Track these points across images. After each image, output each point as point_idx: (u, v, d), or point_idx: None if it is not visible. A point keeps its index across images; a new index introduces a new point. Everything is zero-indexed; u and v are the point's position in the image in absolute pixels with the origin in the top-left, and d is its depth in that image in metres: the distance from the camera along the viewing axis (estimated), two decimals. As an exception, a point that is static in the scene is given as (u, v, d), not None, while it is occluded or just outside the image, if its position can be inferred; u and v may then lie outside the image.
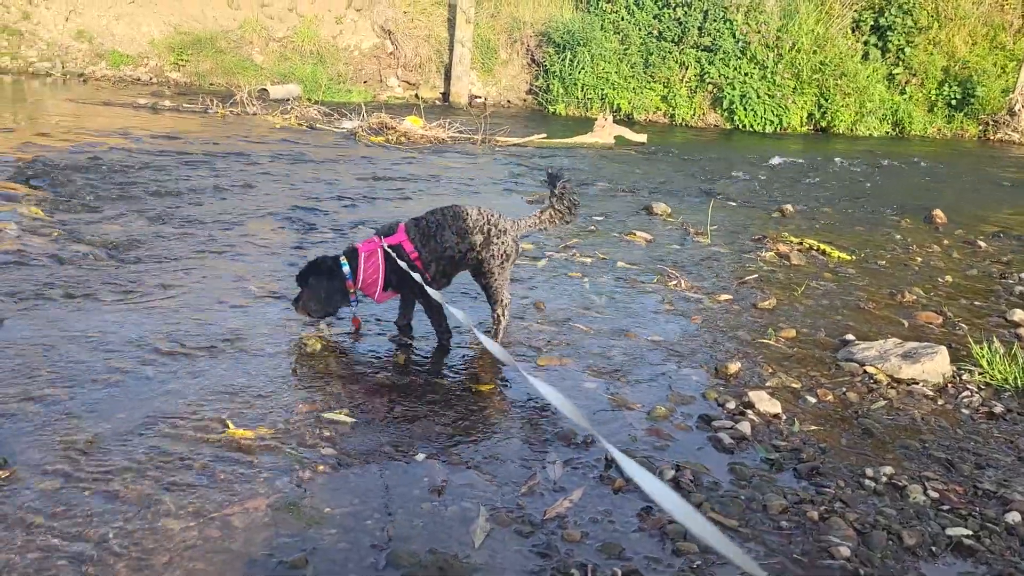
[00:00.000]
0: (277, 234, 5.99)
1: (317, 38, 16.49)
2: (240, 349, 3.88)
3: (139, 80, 15.04)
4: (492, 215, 4.11)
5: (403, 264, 3.85)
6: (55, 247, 5.16)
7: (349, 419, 3.29)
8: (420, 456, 3.04)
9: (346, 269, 3.96)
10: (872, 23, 17.81)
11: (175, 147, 8.94)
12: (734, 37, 16.40)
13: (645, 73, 16.59)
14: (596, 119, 13.24)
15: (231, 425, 3.14)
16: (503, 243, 4.08)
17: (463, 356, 4.10)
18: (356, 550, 2.49)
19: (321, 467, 2.92)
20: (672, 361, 4.17)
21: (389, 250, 3.91)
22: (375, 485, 2.84)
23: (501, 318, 4.18)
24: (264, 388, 3.50)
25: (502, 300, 4.16)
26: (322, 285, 3.98)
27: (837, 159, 12.80)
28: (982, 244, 7.57)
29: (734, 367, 4.06)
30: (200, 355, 3.77)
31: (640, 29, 16.63)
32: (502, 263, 4.09)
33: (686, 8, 16.46)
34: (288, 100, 13.29)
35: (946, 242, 7.58)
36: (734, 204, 8.73)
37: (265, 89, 14.33)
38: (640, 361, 4.13)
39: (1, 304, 4.14)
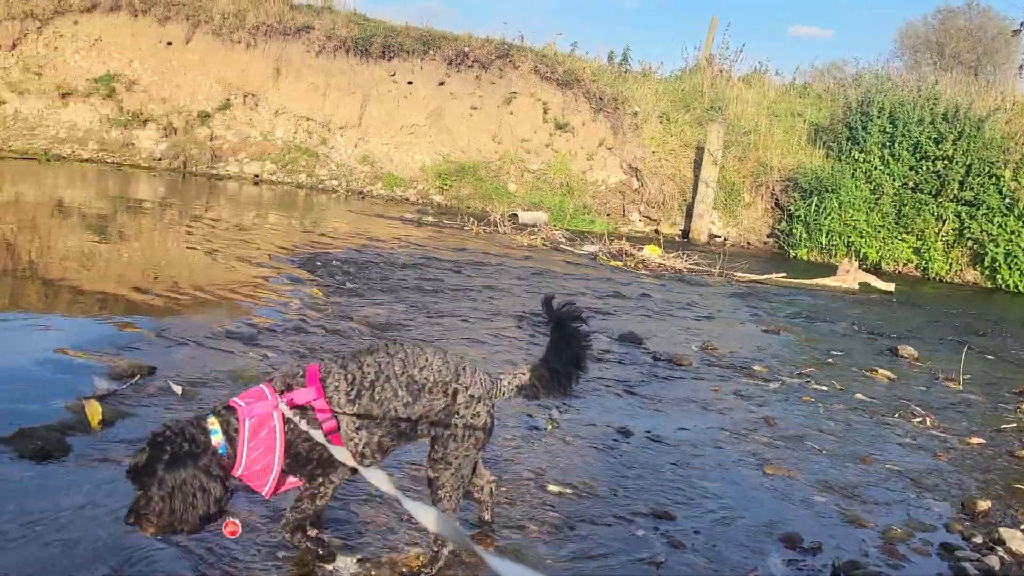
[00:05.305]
0: (513, 330, 6.38)
1: (568, 172, 17.54)
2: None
3: (407, 200, 16.71)
4: (461, 367, 2.78)
5: (317, 433, 2.42)
6: (327, 320, 5.84)
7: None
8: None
9: (216, 439, 2.44)
10: None
11: (433, 253, 9.82)
12: (1000, 193, 15.46)
13: (897, 224, 15.98)
14: (840, 264, 12.89)
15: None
16: (475, 413, 2.74)
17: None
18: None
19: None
20: (912, 491, 3.94)
21: (289, 413, 2.48)
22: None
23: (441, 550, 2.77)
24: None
25: (445, 498, 2.73)
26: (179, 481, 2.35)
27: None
28: None
29: (984, 504, 3.76)
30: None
31: (895, 180, 16.14)
32: (466, 439, 2.73)
33: (947, 161, 15.82)
34: (535, 225, 14.16)
35: None
36: (992, 358, 8.09)
37: (515, 214, 15.36)
38: (875, 485, 3.94)
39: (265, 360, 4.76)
